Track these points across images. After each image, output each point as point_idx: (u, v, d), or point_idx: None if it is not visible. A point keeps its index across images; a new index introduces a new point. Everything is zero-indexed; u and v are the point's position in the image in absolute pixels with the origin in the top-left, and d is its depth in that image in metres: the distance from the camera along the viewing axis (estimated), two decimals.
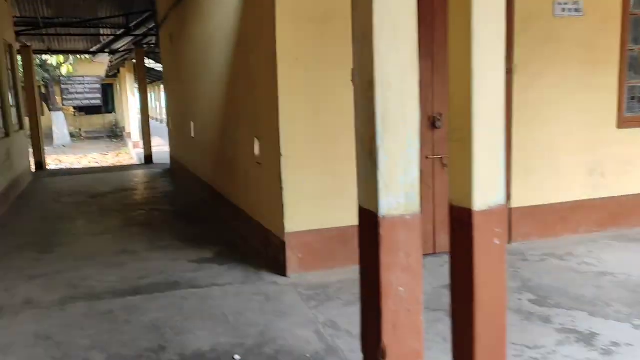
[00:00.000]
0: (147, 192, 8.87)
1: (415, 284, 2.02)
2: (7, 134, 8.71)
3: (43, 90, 25.21)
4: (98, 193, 8.72)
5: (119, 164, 15.25)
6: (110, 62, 17.82)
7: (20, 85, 10.41)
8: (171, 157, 11.59)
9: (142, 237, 5.75)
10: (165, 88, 11.67)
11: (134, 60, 19.35)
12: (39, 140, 12.61)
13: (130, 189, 9.14)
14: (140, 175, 11.11)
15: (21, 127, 10.20)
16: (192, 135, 8.32)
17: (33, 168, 12.54)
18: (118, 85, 30.10)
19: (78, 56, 23.25)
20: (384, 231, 1.96)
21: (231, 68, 5.65)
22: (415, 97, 1.98)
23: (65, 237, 5.92)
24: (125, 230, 6.11)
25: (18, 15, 11.58)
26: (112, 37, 13.00)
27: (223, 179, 6.43)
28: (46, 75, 24.35)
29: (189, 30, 7.98)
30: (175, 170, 10.88)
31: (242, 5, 5.05)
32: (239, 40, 5.22)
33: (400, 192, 1.98)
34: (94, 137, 29.77)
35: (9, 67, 9.85)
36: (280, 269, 4.36)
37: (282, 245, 4.33)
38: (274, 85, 4.21)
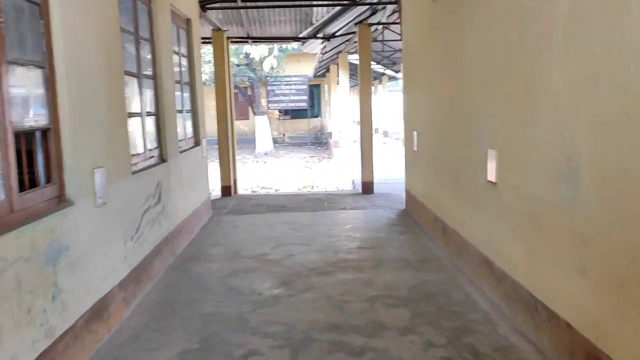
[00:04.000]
0: (384, 279, 4.59)
1: None
2: (162, 159, 5.29)
3: (249, 91, 23.37)
4: (293, 272, 4.81)
5: (326, 191, 11.68)
6: (322, 54, 14.45)
7: (199, 80, 7.11)
8: (408, 194, 7.36)
9: None
10: (406, 83, 7.45)
11: (349, 54, 15.78)
12: (228, 156, 9.42)
13: (349, 266, 5.04)
14: (359, 222, 7.04)
15: (197, 142, 6.89)
16: (492, 179, 3.91)
17: (218, 193, 9.47)
18: (326, 86, 27.42)
19: (284, 46, 20.66)
20: None
21: None
22: None
23: None
24: None
25: None
26: (331, 13, 9.25)
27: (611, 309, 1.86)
28: (252, 75, 22.28)
29: None
30: (418, 219, 6.59)
31: None
32: None
33: None
34: (298, 143, 27.47)
35: (182, 52, 6.54)
36: None
37: None
38: None
